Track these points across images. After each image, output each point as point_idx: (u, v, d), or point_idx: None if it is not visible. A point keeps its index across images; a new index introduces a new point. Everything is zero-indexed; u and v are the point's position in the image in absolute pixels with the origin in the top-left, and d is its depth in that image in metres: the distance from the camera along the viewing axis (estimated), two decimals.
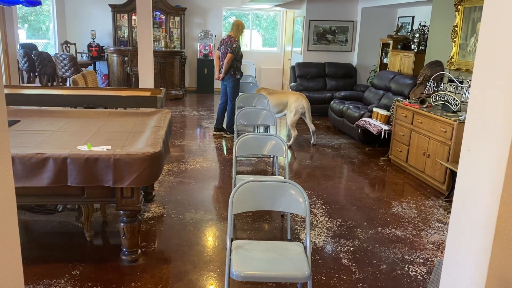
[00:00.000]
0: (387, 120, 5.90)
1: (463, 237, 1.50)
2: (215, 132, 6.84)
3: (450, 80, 5.07)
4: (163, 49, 10.08)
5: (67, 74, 8.43)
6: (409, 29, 7.94)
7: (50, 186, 2.67)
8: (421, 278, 3.01)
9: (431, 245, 3.50)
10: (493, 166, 1.35)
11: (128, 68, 9.43)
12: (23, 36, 10.13)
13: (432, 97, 5.08)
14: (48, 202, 3.10)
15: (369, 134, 6.20)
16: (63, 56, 8.47)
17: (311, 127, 6.38)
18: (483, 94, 1.39)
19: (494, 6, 1.34)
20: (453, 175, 4.38)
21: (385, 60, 8.05)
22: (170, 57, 9.79)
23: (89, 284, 2.78)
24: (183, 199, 4.22)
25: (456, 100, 4.70)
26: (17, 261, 1.38)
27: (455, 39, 5.33)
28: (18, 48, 8.74)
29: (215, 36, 10.74)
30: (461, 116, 4.50)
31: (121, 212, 2.92)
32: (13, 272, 1.36)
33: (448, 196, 4.49)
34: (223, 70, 6.47)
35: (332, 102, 7.64)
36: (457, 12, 5.28)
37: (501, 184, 1.33)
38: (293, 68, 8.98)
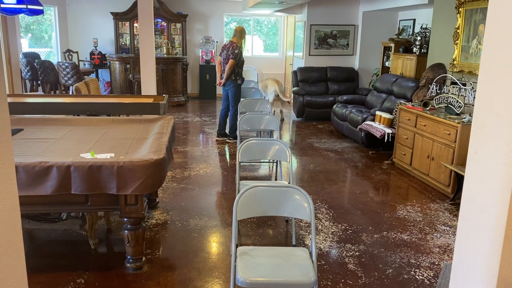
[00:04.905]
0: (390, 123, 5.88)
1: (471, 241, 1.47)
2: (217, 138, 6.84)
3: (453, 83, 5.06)
4: (165, 55, 10.11)
5: (69, 82, 8.46)
6: (411, 32, 7.94)
7: (54, 194, 2.66)
8: (428, 282, 2.99)
9: (437, 249, 3.47)
10: (501, 168, 1.33)
11: (130, 75, 9.46)
12: (25, 45, 10.19)
13: (435, 99, 5.06)
14: (52, 210, 3.10)
15: (373, 138, 6.18)
16: (66, 64, 8.51)
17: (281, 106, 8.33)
18: (489, 95, 1.38)
19: (499, 6, 1.33)
20: (458, 177, 4.35)
21: (387, 64, 8.04)
22: (172, 63, 9.82)
23: None
24: (187, 205, 4.21)
25: (460, 102, 4.68)
26: (21, 270, 1.37)
27: (457, 42, 5.32)
28: (21, 57, 8.78)
29: (217, 42, 10.76)
30: (464, 118, 4.47)
31: (125, 219, 2.91)
32: (17, 281, 1.35)
33: (453, 199, 4.46)
34: (224, 75, 6.48)
35: (334, 106, 7.63)
36: (458, 15, 5.27)
37: (510, 186, 1.31)
38: (295, 72, 8.98)
